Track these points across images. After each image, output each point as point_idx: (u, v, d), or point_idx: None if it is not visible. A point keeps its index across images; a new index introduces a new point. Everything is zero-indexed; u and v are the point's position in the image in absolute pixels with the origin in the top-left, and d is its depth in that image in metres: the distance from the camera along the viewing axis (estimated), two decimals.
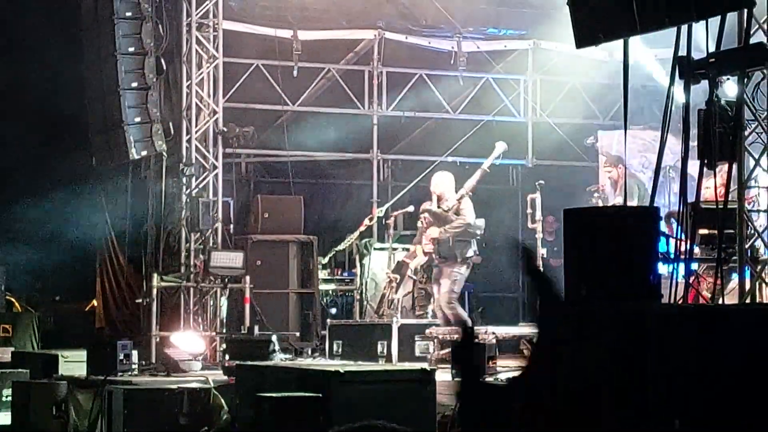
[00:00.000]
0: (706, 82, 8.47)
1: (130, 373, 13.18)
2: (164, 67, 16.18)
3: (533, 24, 17.58)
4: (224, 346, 14.48)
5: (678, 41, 8.30)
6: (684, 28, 8.26)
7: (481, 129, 18.17)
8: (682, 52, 8.33)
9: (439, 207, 13.73)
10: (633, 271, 7.24)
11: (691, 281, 8.41)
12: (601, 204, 15.16)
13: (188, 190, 15.94)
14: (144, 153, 16.00)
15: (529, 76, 18.45)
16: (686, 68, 8.29)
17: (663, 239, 7.71)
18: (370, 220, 16.27)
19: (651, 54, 16.39)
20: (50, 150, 18.22)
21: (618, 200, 14.95)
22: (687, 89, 8.37)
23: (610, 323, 7.06)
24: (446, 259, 13.63)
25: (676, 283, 8.24)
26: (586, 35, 8.88)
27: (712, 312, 7.37)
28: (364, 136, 17.95)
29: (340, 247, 16.24)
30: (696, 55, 8.40)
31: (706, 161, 8.61)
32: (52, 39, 17.34)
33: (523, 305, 19.48)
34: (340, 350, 14.47)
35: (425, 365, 12.03)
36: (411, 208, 15.37)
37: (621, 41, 8.95)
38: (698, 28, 8.32)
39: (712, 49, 8.34)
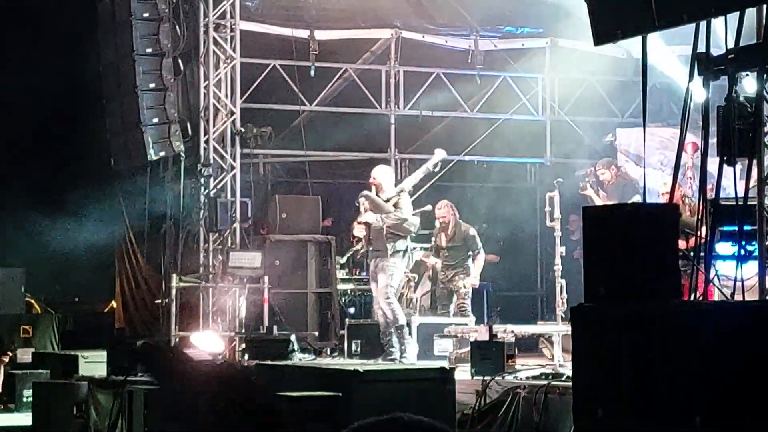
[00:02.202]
0: (725, 78, 8.44)
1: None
2: (182, 68, 16.22)
3: (550, 22, 17.54)
4: (243, 345, 14.50)
5: (697, 37, 8.27)
6: (703, 24, 8.23)
7: (498, 128, 18.15)
8: (701, 49, 8.30)
9: (378, 196, 13.64)
10: (652, 269, 7.22)
11: (711, 279, 8.38)
12: (589, 190, 15.16)
13: (206, 191, 15.96)
14: (162, 154, 16.04)
15: (546, 74, 18.41)
16: (705, 64, 8.26)
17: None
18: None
19: (669, 51, 16.35)
20: (69, 151, 18.28)
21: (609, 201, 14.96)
22: (706, 86, 8.34)
23: (628, 322, 7.04)
24: (378, 251, 13.48)
25: (696, 280, 8.21)
26: (604, 32, 8.85)
27: (732, 309, 7.35)
28: (381, 136, 17.94)
29: (358, 246, 16.23)
30: (715, 52, 8.37)
31: (725, 158, 8.58)
32: (69, 40, 17.39)
33: (541, 303, 19.46)
34: (358, 350, 14.47)
35: (444, 364, 12.03)
36: (428, 207, 15.35)
37: (639, 38, 8.92)
38: (717, 23, 8.30)
39: (731, 45, 8.31)
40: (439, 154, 14.43)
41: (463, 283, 15.20)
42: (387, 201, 13.47)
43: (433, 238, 15.53)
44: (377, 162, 18.35)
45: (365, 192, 13.80)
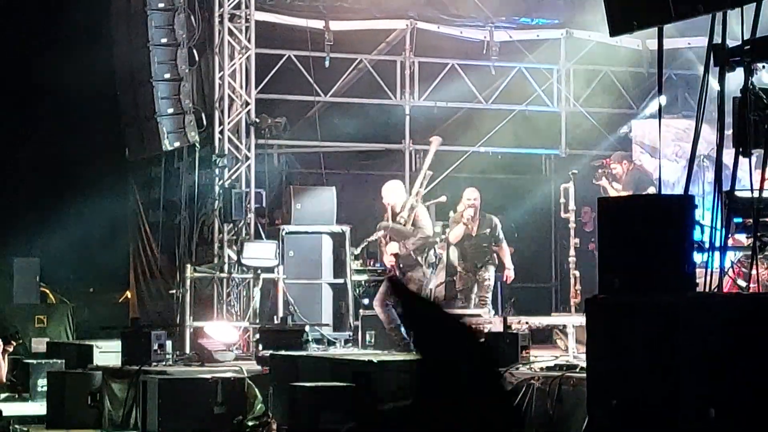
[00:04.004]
0: (742, 69, 8.41)
1: (164, 363, 13.25)
2: (197, 58, 16.23)
3: (566, 13, 17.51)
4: (257, 336, 14.52)
5: (713, 29, 8.24)
6: (719, 15, 8.21)
7: (513, 119, 18.12)
8: (717, 40, 8.27)
9: (395, 220, 13.59)
10: (667, 260, 7.20)
11: (726, 270, 8.35)
12: (604, 180, 15.15)
13: (221, 181, 15.97)
14: (177, 144, 16.05)
15: (561, 66, 18.37)
16: (721, 56, 8.23)
17: (698, 228, 7.67)
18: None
19: (685, 42, 16.32)
20: (84, 141, 18.30)
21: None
22: (722, 77, 8.31)
23: (642, 313, 7.03)
24: (410, 266, 13.50)
25: (711, 272, 8.20)
26: (620, 23, 8.83)
27: (748, 301, 7.33)
28: (396, 127, 17.92)
29: (373, 237, 16.22)
30: (731, 43, 8.34)
31: (741, 149, 8.55)
32: (84, 31, 17.41)
33: (555, 295, 19.44)
34: (372, 340, 14.47)
35: None
36: (443, 199, 15.32)
37: (655, 29, 8.90)
38: (733, 15, 8.27)
39: (747, 36, 8.28)
40: (435, 142, 14.41)
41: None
42: (405, 224, 13.47)
43: (449, 228, 15.42)
44: (392, 153, 18.39)
45: (382, 224, 13.84)
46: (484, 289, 15.05)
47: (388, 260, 13.67)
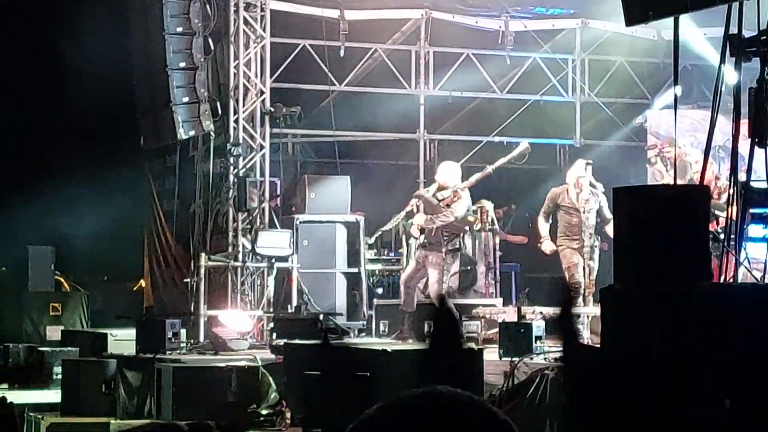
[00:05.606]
0: (758, 59, 8.39)
1: (178, 351, 13.28)
2: (212, 47, 16.23)
3: (581, 3, 17.45)
4: (272, 325, 14.54)
5: (729, 19, 8.22)
6: (735, 5, 8.19)
7: (528, 109, 18.09)
8: (733, 30, 8.26)
9: (434, 196, 13.63)
10: (683, 250, 7.20)
11: (741, 261, 8.35)
12: (660, 164, 14.99)
13: (235, 170, 15.99)
14: (192, 133, 16.07)
15: (577, 56, 18.33)
16: (737, 46, 8.21)
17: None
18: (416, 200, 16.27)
19: (701, 32, 16.26)
20: (99, 130, 18.34)
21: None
22: (738, 67, 8.30)
23: (657, 304, 7.03)
24: (432, 245, 13.51)
25: (727, 262, 8.19)
26: (636, 13, 8.81)
27: (762, 291, 7.33)
28: (410, 116, 17.91)
29: (387, 227, 16.24)
30: (747, 33, 8.32)
31: (756, 140, 8.53)
32: (100, 19, 17.42)
33: None
34: (386, 330, 14.49)
35: (472, 344, 12.04)
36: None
37: (671, 19, 8.88)
38: (749, 5, 8.25)
39: (763, 26, 8.26)
40: (522, 145, 14.35)
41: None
42: (441, 200, 13.48)
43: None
44: (406, 142, 18.39)
45: (418, 192, 13.91)
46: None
47: (415, 230, 13.73)
